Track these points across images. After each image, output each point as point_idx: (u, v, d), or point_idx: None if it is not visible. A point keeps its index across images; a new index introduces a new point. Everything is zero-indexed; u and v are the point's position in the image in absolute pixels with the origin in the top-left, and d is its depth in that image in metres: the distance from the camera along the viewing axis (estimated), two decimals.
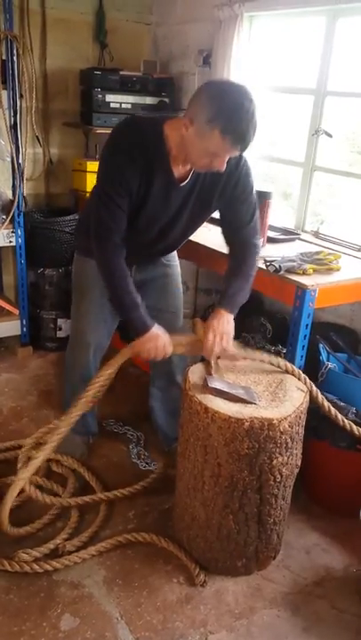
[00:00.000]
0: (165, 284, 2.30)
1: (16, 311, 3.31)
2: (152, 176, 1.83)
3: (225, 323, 1.96)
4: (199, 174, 1.88)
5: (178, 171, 1.86)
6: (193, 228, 2.11)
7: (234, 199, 1.96)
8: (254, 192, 1.99)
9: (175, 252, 2.32)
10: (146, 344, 1.91)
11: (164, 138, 1.80)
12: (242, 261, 2.02)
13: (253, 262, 2.03)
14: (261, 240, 2.50)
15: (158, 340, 1.91)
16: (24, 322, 3.31)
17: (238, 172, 1.91)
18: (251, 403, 1.81)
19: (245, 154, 1.86)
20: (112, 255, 1.89)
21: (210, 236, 2.73)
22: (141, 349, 1.92)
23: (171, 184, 1.87)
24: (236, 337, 2.76)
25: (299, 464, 1.91)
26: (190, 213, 1.98)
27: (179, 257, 2.45)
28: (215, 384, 1.87)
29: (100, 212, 1.87)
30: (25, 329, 3.33)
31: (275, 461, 1.77)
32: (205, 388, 1.86)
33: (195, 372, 1.97)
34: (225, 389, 1.85)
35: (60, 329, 3.39)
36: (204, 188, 1.92)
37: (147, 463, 2.46)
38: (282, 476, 1.82)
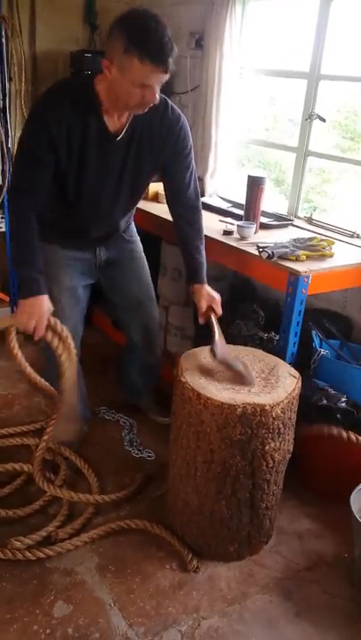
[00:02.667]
0: (133, 259, 2.32)
1: (6, 298, 3.28)
2: (86, 132, 1.81)
3: (211, 291, 2.08)
4: (135, 127, 1.87)
5: (113, 125, 1.84)
6: (141, 186, 2.09)
7: (174, 158, 1.99)
8: (192, 154, 2.04)
9: (133, 227, 2.33)
10: (30, 309, 1.84)
11: (95, 92, 1.79)
12: (196, 230, 2.11)
13: (202, 226, 2.14)
14: (254, 226, 2.49)
15: (39, 310, 1.83)
16: (14, 309, 3.28)
17: (178, 128, 1.94)
18: (250, 383, 1.83)
19: (183, 116, 1.94)
20: (23, 207, 1.86)
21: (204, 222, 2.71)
22: (23, 315, 1.84)
23: (106, 139, 1.85)
24: (229, 323, 2.77)
25: (291, 450, 1.91)
26: (133, 169, 1.96)
27: (170, 243, 2.43)
28: (222, 351, 1.92)
29: (19, 165, 1.88)
30: None
31: (267, 447, 1.77)
32: (214, 355, 1.91)
33: (187, 358, 1.96)
34: (229, 361, 1.89)
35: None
36: (143, 141, 1.90)
37: (139, 450, 2.46)
38: (274, 462, 1.82)
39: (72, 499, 2.09)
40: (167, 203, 2.14)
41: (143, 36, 1.61)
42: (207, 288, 2.08)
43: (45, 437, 2.16)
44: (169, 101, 1.95)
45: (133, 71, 1.65)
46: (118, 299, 2.38)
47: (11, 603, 1.74)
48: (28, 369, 2.01)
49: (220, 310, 2.06)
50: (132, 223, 2.33)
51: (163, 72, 1.68)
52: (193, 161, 2.06)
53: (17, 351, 1.93)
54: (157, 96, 1.74)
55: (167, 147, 1.96)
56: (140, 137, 1.90)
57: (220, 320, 2.06)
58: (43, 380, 2.08)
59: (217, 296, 2.08)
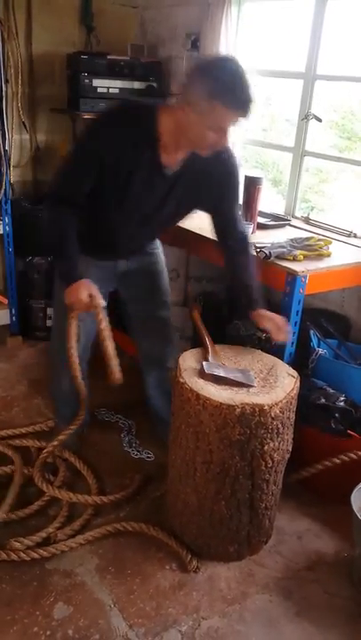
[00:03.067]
0: (151, 270, 2.29)
1: (5, 300, 3.29)
2: (137, 159, 1.81)
3: (271, 313, 2.03)
4: (189, 165, 1.87)
5: (166, 158, 1.84)
6: (177, 218, 2.12)
7: (224, 199, 2.00)
8: (239, 189, 2.05)
9: (158, 241, 2.32)
10: (74, 292, 1.89)
11: (157, 122, 1.79)
12: (250, 257, 2.08)
13: (252, 252, 2.11)
14: (251, 226, 2.49)
15: (80, 288, 1.88)
16: (13, 311, 3.29)
17: (233, 175, 1.97)
18: (249, 386, 1.82)
19: (237, 156, 1.95)
20: (60, 211, 1.89)
21: (200, 222, 2.71)
22: (70, 298, 1.90)
23: (156, 170, 1.85)
24: (227, 323, 2.77)
25: (290, 449, 1.91)
26: (176, 203, 1.97)
27: (168, 244, 2.42)
28: (212, 370, 1.86)
29: (62, 175, 1.90)
30: (14, 318, 3.30)
31: (266, 447, 1.77)
32: (203, 374, 1.86)
33: (186, 359, 1.97)
34: (222, 374, 1.85)
35: (50, 318, 3.36)
36: (194, 180, 1.90)
37: (138, 451, 2.46)
38: (273, 462, 1.82)
39: (70, 499, 2.09)
40: (216, 237, 2.12)
41: (230, 84, 1.62)
42: (267, 311, 2.05)
43: (55, 443, 2.19)
44: (232, 152, 1.96)
45: (215, 116, 1.65)
46: (133, 307, 2.34)
47: (11, 604, 1.74)
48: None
49: (285, 337, 2.01)
50: (157, 239, 2.32)
51: (245, 117, 1.70)
52: (238, 205, 2.09)
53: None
54: (227, 140, 1.75)
55: (218, 190, 1.97)
56: (192, 175, 1.89)
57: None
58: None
59: (281, 317, 2.03)
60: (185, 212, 2.09)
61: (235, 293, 2.08)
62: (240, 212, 2.10)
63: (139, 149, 1.80)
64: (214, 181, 1.95)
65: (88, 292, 1.88)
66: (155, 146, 1.81)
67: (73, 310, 1.95)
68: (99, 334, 1.91)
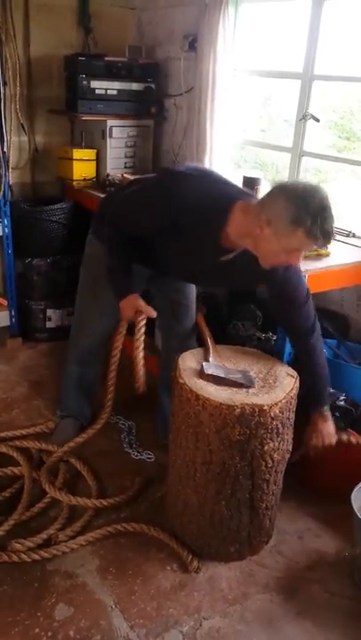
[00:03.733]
0: (179, 292, 2.31)
1: (5, 302, 3.28)
2: (199, 234, 1.82)
3: (329, 423, 2.02)
4: (244, 255, 1.82)
5: (225, 240, 1.82)
6: (214, 291, 2.24)
7: (284, 293, 1.95)
8: (305, 284, 1.99)
9: None
10: (128, 304, 1.98)
11: (228, 215, 1.76)
12: (317, 355, 2.00)
13: (322, 348, 2.03)
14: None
15: (134, 302, 1.97)
16: (13, 313, 3.28)
17: (283, 280, 1.90)
18: (249, 386, 1.82)
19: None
20: (116, 246, 1.99)
21: None
22: (124, 309, 2.00)
23: (212, 250, 1.85)
24: (227, 324, 2.77)
25: (290, 449, 1.91)
26: (218, 282, 2.18)
27: None
28: (212, 370, 1.87)
29: (125, 209, 1.97)
30: (14, 320, 3.30)
31: (266, 447, 1.78)
32: (203, 375, 1.86)
33: (185, 360, 1.97)
34: (222, 375, 1.85)
35: (50, 319, 3.37)
36: (246, 266, 1.85)
37: (138, 452, 2.46)
38: (273, 462, 1.83)
39: (70, 502, 2.09)
40: (279, 319, 2.14)
41: (318, 215, 1.58)
42: (328, 417, 2.01)
43: (71, 444, 2.22)
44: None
45: (294, 241, 1.63)
46: (162, 304, 2.31)
47: (12, 606, 1.75)
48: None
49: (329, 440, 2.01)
50: None
51: (320, 247, 1.73)
52: (304, 286, 1.99)
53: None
54: (300, 261, 1.75)
55: (273, 289, 1.97)
56: (244, 263, 1.84)
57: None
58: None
59: (331, 430, 2.02)
60: (229, 287, 2.20)
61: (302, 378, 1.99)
62: (308, 304, 1.98)
63: (202, 227, 1.80)
64: (272, 280, 1.91)
65: (137, 306, 1.97)
66: (219, 229, 1.79)
67: (123, 319, 2.07)
68: (133, 343, 2.00)
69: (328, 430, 2.00)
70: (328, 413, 2.01)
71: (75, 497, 2.11)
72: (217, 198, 1.80)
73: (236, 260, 1.86)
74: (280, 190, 1.66)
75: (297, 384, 1.88)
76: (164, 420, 2.39)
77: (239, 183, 2.58)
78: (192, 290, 2.35)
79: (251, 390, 1.82)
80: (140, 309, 1.97)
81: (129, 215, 1.95)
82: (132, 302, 1.97)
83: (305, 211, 1.58)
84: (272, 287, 1.95)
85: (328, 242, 1.71)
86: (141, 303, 1.97)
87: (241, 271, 1.90)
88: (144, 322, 2.00)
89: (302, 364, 2.02)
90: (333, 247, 2.38)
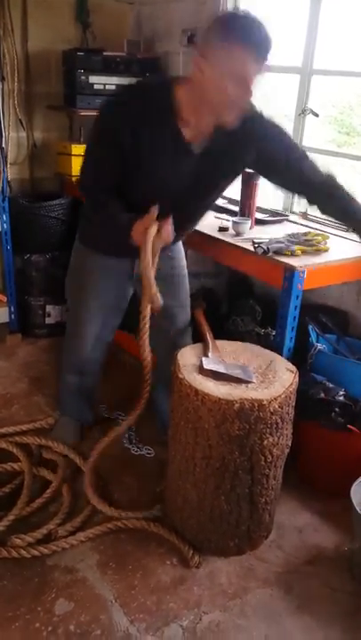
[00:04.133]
0: (172, 276, 2.22)
1: (4, 298, 3.28)
2: (158, 136, 1.73)
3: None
4: (216, 140, 1.77)
5: (190, 134, 1.76)
6: (218, 190, 2.00)
7: (270, 146, 1.85)
8: (287, 135, 1.90)
9: (180, 244, 2.24)
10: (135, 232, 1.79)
11: (173, 96, 1.70)
12: (335, 185, 1.92)
13: (338, 179, 1.93)
14: (249, 222, 2.49)
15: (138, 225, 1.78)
16: (12, 309, 3.28)
17: (258, 126, 1.82)
18: (248, 381, 1.82)
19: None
20: (102, 208, 1.86)
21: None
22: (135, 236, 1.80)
23: (180, 147, 1.77)
24: (226, 319, 2.77)
25: (289, 444, 1.92)
26: (206, 182, 1.88)
27: None
28: (211, 365, 1.87)
29: (86, 165, 1.86)
30: (13, 316, 3.30)
31: (265, 442, 1.78)
32: (202, 370, 1.86)
33: (185, 355, 1.97)
34: (221, 370, 1.85)
35: (49, 315, 3.36)
36: (222, 151, 1.80)
37: (138, 448, 2.47)
38: (273, 457, 1.83)
39: (120, 516, 2.05)
40: (290, 187, 2.04)
41: (247, 25, 1.56)
42: None
43: (113, 435, 2.17)
44: (260, 111, 1.85)
45: (233, 61, 1.56)
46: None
47: (12, 601, 1.75)
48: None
49: None
50: (180, 241, 2.22)
51: (262, 60, 1.58)
52: (291, 138, 1.92)
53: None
54: (253, 92, 1.62)
55: (250, 148, 1.85)
56: (219, 148, 1.79)
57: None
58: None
59: None
60: (219, 190, 1.98)
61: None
62: (308, 156, 1.90)
63: (157, 127, 1.72)
64: (238, 147, 1.82)
65: (143, 224, 1.77)
66: (174, 122, 1.72)
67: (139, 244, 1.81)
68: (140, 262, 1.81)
69: None
70: None
71: (123, 511, 2.07)
72: (152, 91, 1.76)
73: (210, 148, 1.79)
74: (210, 25, 1.63)
75: (296, 379, 1.88)
76: (161, 416, 2.40)
77: (238, 179, 2.58)
78: (183, 289, 2.28)
79: (250, 385, 1.82)
80: (146, 225, 1.76)
81: (96, 165, 1.83)
82: (138, 226, 1.77)
83: (234, 24, 1.57)
84: (260, 153, 1.85)
85: (267, 49, 1.58)
86: (146, 218, 1.76)
87: (220, 157, 1.82)
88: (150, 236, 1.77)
89: (331, 199, 1.94)
90: (332, 242, 2.38)
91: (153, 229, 1.75)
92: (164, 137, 1.75)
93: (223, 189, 2.02)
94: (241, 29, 1.56)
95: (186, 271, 2.31)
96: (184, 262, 2.30)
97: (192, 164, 1.82)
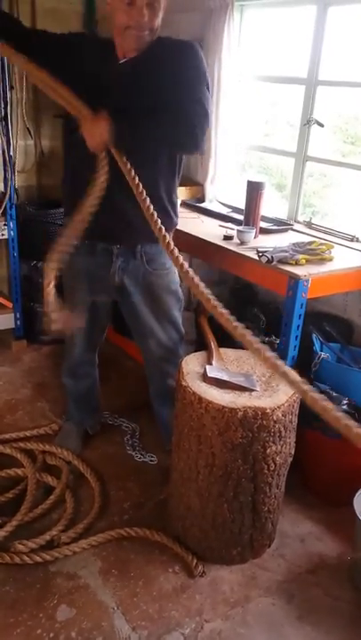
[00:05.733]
0: (151, 292, 2.11)
1: (10, 305, 3.30)
2: (99, 54, 1.93)
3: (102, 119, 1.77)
4: (140, 59, 1.87)
5: (120, 52, 1.90)
6: (139, 113, 1.84)
7: (176, 83, 1.85)
8: (205, 82, 1.89)
9: (164, 258, 2.06)
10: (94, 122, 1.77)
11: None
12: (173, 116, 1.83)
13: (179, 127, 1.83)
14: (254, 231, 2.50)
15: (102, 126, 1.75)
16: (18, 315, 3.30)
17: (178, 53, 1.89)
18: (252, 390, 1.82)
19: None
20: None
21: (201, 226, 2.74)
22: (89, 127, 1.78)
23: (110, 60, 1.91)
24: None
25: (292, 452, 1.92)
26: (132, 96, 1.86)
27: None
28: (215, 373, 1.88)
29: None
30: (19, 322, 3.32)
31: (268, 450, 1.78)
32: (205, 377, 1.87)
33: (189, 363, 1.98)
34: (225, 378, 1.86)
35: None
36: (146, 73, 1.86)
37: (141, 455, 2.47)
38: (276, 465, 1.83)
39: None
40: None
41: None
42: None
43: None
44: (193, 46, 1.93)
45: None
46: (131, 322, 2.26)
47: (14, 607, 1.75)
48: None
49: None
50: (162, 255, 2.04)
51: None
52: (204, 92, 1.86)
53: None
54: (146, 18, 1.80)
55: (166, 74, 1.86)
56: (143, 68, 1.87)
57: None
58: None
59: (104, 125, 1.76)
60: (144, 107, 1.84)
61: None
62: (201, 107, 1.84)
63: (103, 45, 1.94)
64: (158, 70, 1.86)
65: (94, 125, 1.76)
66: (112, 46, 1.91)
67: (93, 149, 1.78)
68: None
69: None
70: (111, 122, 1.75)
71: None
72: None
73: (136, 67, 1.88)
74: None
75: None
76: (165, 427, 2.38)
77: (244, 188, 2.61)
78: (161, 306, 2.16)
79: (254, 393, 1.83)
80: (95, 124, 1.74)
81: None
82: (89, 130, 1.76)
83: None
84: (167, 74, 1.86)
85: None
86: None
87: (148, 71, 1.86)
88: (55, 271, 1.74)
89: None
90: (337, 252, 2.39)
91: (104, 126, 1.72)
92: (103, 56, 1.94)
93: (157, 108, 1.84)
94: None
95: (170, 290, 2.16)
96: (168, 279, 2.14)
97: (119, 80, 1.89)
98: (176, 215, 2.13)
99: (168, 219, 2.02)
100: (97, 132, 1.75)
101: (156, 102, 1.84)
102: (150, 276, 2.10)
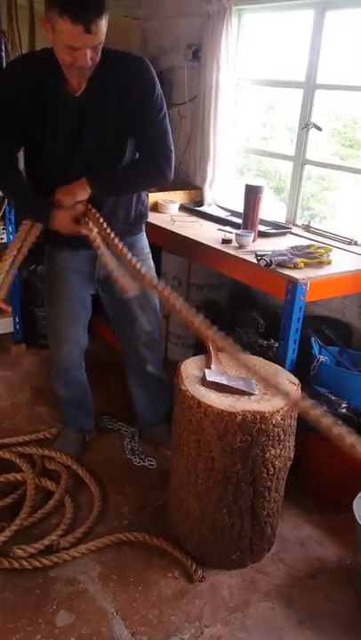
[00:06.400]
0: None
1: (9, 309, 3.30)
2: (45, 94, 1.82)
3: (77, 184, 1.89)
4: (93, 85, 1.81)
5: (72, 87, 1.82)
6: (105, 158, 1.95)
7: (134, 109, 1.86)
8: (161, 105, 1.89)
9: (143, 244, 2.22)
10: (59, 218, 1.89)
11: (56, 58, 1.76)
12: (141, 165, 1.96)
13: (149, 172, 1.96)
14: (252, 234, 2.50)
15: (63, 214, 1.88)
16: (17, 319, 3.30)
17: (131, 72, 1.84)
18: (251, 394, 1.82)
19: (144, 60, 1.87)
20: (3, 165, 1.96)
21: (200, 230, 2.74)
22: (55, 224, 1.90)
23: (64, 97, 1.83)
24: (229, 331, 2.77)
25: (292, 457, 1.92)
26: (94, 128, 1.88)
27: (170, 252, 2.42)
28: (214, 377, 1.87)
29: None
30: (18, 326, 3.32)
31: (268, 454, 1.78)
32: (205, 381, 1.86)
33: (188, 366, 1.98)
34: (224, 382, 1.86)
35: None
36: (101, 98, 1.84)
37: (141, 459, 2.47)
38: (275, 469, 1.83)
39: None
40: None
41: None
42: (81, 181, 1.89)
43: None
44: (140, 61, 1.88)
45: (59, 30, 1.61)
46: (114, 312, 2.31)
47: (13, 612, 1.75)
48: None
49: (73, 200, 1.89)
50: (142, 241, 2.23)
51: (85, 32, 1.59)
52: (161, 115, 1.90)
53: None
54: (88, 60, 1.67)
55: (125, 98, 1.85)
56: (98, 94, 1.83)
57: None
58: None
59: (76, 190, 1.89)
60: (111, 139, 1.91)
61: None
62: (164, 147, 1.92)
63: (44, 79, 1.81)
64: (114, 93, 1.83)
65: (72, 212, 1.87)
66: (59, 78, 1.79)
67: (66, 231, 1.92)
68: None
69: (72, 187, 1.89)
70: (85, 184, 1.88)
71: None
72: (35, 53, 1.93)
73: (92, 96, 1.83)
74: None
75: (299, 391, 1.88)
76: (141, 407, 2.51)
77: (242, 191, 2.61)
78: (150, 301, 2.26)
79: (253, 397, 1.82)
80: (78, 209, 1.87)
81: None
82: (62, 215, 1.87)
83: None
84: (126, 100, 1.85)
85: (83, 20, 1.57)
86: (76, 199, 1.86)
87: (104, 104, 1.84)
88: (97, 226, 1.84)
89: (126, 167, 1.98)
90: (335, 255, 2.39)
91: (79, 210, 1.87)
92: (52, 89, 1.82)
93: (114, 142, 1.94)
94: (72, 2, 1.57)
95: (152, 272, 2.28)
96: (149, 264, 2.26)
97: (76, 114, 1.86)
98: (147, 209, 2.22)
99: (143, 217, 2.20)
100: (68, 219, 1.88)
101: (121, 140, 1.94)
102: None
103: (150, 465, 2.44)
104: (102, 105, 1.86)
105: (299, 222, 2.92)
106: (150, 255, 2.28)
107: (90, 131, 1.89)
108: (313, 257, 2.30)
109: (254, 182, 2.81)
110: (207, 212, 3.02)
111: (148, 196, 2.23)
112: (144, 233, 2.25)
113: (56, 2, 1.58)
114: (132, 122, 1.89)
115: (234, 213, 2.94)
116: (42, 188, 1.94)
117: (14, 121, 1.87)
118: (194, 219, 2.93)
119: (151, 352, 2.37)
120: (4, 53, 2.86)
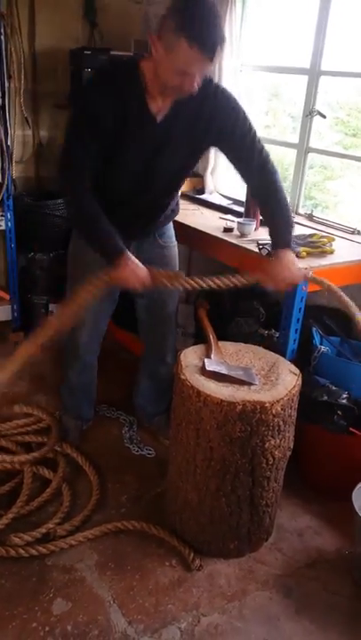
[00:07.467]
0: (163, 264, 2.17)
1: (7, 296, 3.28)
2: (127, 111, 1.79)
3: (289, 257, 1.89)
4: (178, 110, 1.82)
5: (155, 106, 1.81)
6: (178, 174, 2.02)
7: (223, 129, 1.88)
8: (247, 116, 1.92)
9: (172, 231, 2.27)
10: (123, 271, 1.83)
11: (139, 72, 1.76)
12: (271, 195, 1.95)
13: (280, 188, 1.96)
14: (254, 223, 2.47)
15: (137, 268, 1.83)
16: (15, 307, 3.28)
17: (220, 103, 1.85)
18: (251, 383, 1.81)
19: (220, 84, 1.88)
20: (81, 197, 1.85)
21: (201, 218, 2.71)
22: (120, 277, 1.84)
23: (146, 119, 1.82)
24: (230, 321, 2.76)
25: (291, 447, 1.91)
26: (171, 152, 1.90)
27: None
28: (214, 367, 1.86)
29: (70, 151, 1.86)
30: (16, 314, 3.30)
31: (267, 444, 1.77)
32: (204, 371, 1.85)
33: (188, 356, 1.96)
34: (224, 372, 1.84)
35: (52, 313, 3.36)
36: (185, 124, 1.84)
37: (139, 448, 2.46)
38: (274, 459, 1.82)
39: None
40: (241, 177, 2.04)
41: (198, 21, 1.56)
42: (287, 253, 1.88)
43: None
44: (220, 85, 1.90)
45: (179, 54, 1.59)
46: (142, 299, 2.31)
47: (10, 600, 1.74)
48: None
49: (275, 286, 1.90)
50: (171, 229, 2.27)
51: (209, 61, 1.63)
52: (249, 122, 1.93)
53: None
54: (196, 86, 1.68)
55: (215, 126, 1.87)
56: (184, 119, 1.84)
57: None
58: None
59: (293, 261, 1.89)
60: (183, 162, 1.98)
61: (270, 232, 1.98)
62: (261, 149, 1.95)
63: (125, 98, 1.78)
64: (201, 124, 1.86)
65: (141, 271, 1.83)
66: (142, 95, 1.78)
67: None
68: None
69: (294, 262, 1.89)
70: (289, 252, 1.90)
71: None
72: (120, 69, 1.82)
73: (176, 118, 1.83)
74: (171, 4, 1.64)
75: (299, 381, 1.87)
76: (145, 402, 2.53)
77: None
78: (172, 299, 2.33)
79: (253, 387, 1.81)
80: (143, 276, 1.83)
81: (74, 140, 1.85)
82: (134, 268, 1.82)
83: (187, 18, 1.57)
84: (218, 132, 1.88)
85: (213, 50, 1.59)
86: (145, 270, 1.84)
87: (180, 130, 1.85)
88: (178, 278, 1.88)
89: (263, 205, 2.01)
90: (338, 245, 2.37)
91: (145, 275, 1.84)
92: (133, 109, 1.79)
93: (189, 167, 2.05)
94: (196, 26, 1.57)
95: (177, 260, 2.32)
96: (176, 254, 2.30)
97: (156, 136, 1.86)
98: (178, 205, 2.28)
99: (176, 212, 2.25)
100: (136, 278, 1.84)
101: (196, 160, 2.04)
102: (163, 249, 2.23)
103: (149, 454, 2.43)
104: (185, 127, 1.86)
105: (301, 211, 2.89)
106: (175, 245, 2.32)
107: (168, 150, 1.89)
108: (315, 246, 2.28)
109: None
110: (208, 200, 2.99)
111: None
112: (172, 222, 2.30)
113: (185, 29, 1.56)
114: (228, 146, 1.94)
115: (236, 202, 2.91)
116: (104, 204, 1.89)
117: (93, 140, 1.82)
118: (195, 207, 2.91)
119: (172, 342, 2.44)
120: (3, 37, 2.82)
